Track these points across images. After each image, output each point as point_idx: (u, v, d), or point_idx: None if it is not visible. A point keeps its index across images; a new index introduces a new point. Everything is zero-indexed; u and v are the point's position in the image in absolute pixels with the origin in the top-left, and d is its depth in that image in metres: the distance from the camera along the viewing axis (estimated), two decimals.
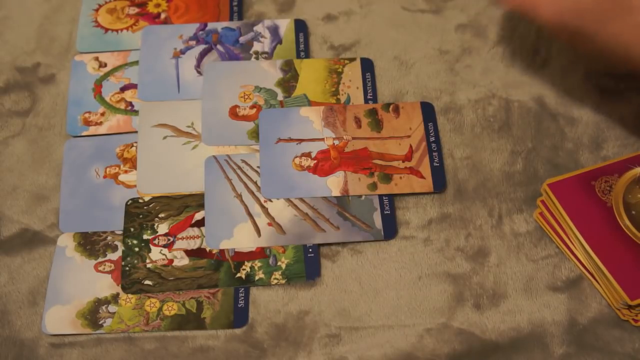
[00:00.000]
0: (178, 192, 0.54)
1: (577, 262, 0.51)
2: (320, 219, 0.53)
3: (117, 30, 0.62)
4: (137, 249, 0.52)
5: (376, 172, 0.54)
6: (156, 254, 0.52)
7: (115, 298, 0.51)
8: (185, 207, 0.54)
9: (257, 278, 0.51)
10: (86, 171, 0.56)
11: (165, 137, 0.56)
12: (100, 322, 0.50)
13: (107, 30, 0.62)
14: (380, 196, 0.54)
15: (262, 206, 0.53)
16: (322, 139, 0.55)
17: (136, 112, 0.58)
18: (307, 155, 0.55)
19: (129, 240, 0.53)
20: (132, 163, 0.56)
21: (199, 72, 0.59)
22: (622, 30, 0.42)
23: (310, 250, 0.52)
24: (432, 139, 0.56)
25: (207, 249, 0.52)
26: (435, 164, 0.55)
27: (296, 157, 0.55)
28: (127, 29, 0.62)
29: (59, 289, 0.51)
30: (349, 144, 0.55)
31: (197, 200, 0.54)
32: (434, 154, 0.55)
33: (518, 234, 0.53)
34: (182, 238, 0.53)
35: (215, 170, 0.54)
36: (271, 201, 0.53)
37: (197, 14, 0.62)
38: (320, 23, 0.62)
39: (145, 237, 0.53)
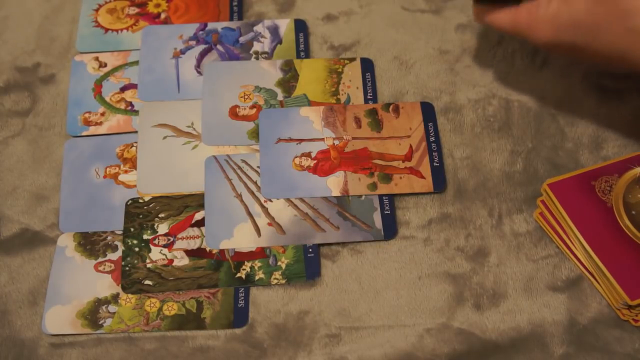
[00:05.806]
0: (178, 192, 0.54)
1: (577, 262, 0.51)
2: (320, 219, 0.53)
3: (117, 30, 0.62)
4: (137, 249, 0.52)
5: (376, 172, 0.54)
6: (156, 254, 0.52)
7: (115, 298, 0.51)
8: (185, 207, 0.54)
9: (257, 278, 0.51)
10: (86, 171, 0.56)
11: (165, 137, 0.56)
12: (100, 322, 0.50)
13: (107, 30, 0.62)
14: (380, 196, 0.54)
15: (262, 206, 0.53)
16: (322, 139, 0.55)
17: (136, 112, 0.58)
18: (307, 155, 0.55)
19: (129, 240, 0.53)
20: (132, 163, 0.56)
21: (199, 72, 0.59)
22: (616, 36, 0.42)
23: (310, 250, 0.52)
24: (432, 139, 0.56)
25: (207, 249, 0.52)
26: (435, 164, 0.55)
27: (296, 157, 0.55)
28: (127, 29, 0.62)
29: (59, 289, 0.51)
30: (349, 144, 0.55)
31: (197, 200, 0.54)
32: (434, 154, 0.55)
33: (518, 234, 0.53)
34: (182, 238, 0.53)
35: (215, 170, 0.54)
36: (271, 201, 0.53)
37: (197, 14, 0.62)
38: (320, 23, 0.62)
39: (145, 237, 0.53)
